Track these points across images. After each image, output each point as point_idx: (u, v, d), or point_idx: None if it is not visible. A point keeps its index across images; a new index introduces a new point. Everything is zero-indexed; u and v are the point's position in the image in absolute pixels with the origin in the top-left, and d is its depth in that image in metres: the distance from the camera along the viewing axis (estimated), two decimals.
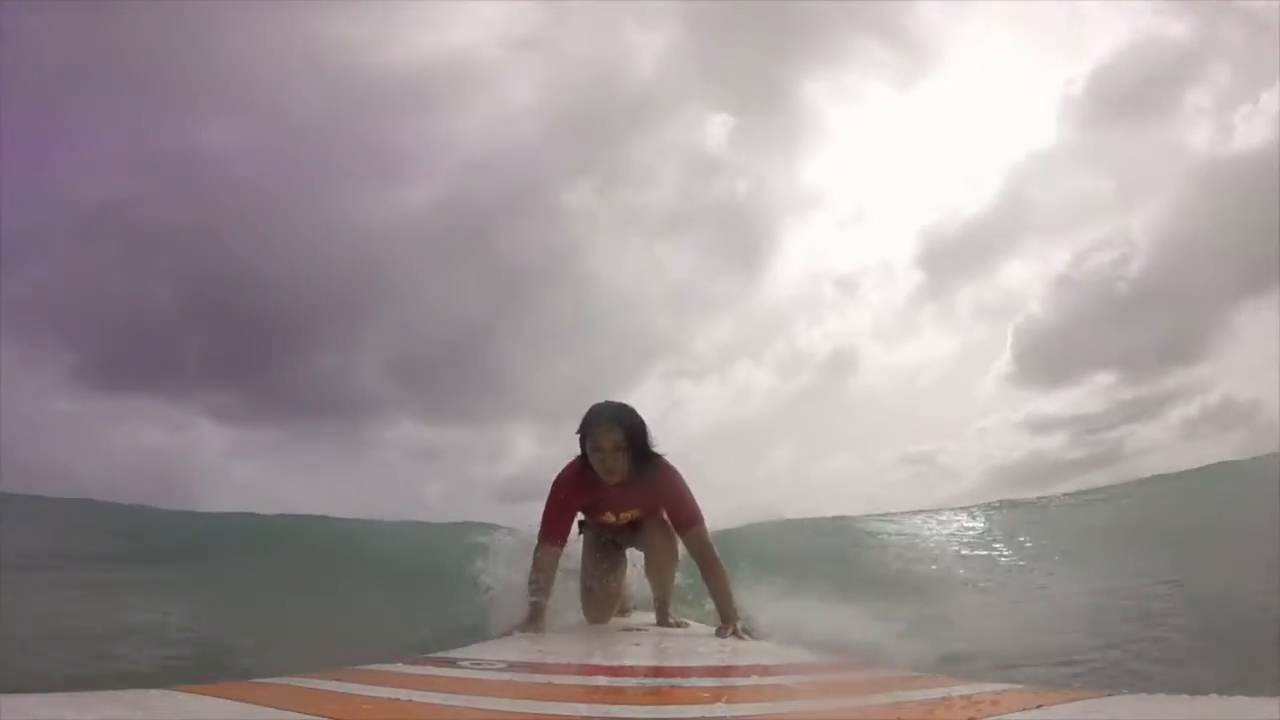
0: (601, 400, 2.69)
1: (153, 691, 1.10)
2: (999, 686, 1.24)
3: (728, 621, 2.53)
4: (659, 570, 2.80)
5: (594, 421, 2.61)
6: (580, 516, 2.86)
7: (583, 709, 1.26)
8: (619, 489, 2.64)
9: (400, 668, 1.62)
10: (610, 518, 2.80)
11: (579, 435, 2.64)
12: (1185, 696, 1.05)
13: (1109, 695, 1.13)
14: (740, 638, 2.45)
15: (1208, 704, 1.01)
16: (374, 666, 1.59)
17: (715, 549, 2.67)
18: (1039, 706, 1.06)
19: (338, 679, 1.36)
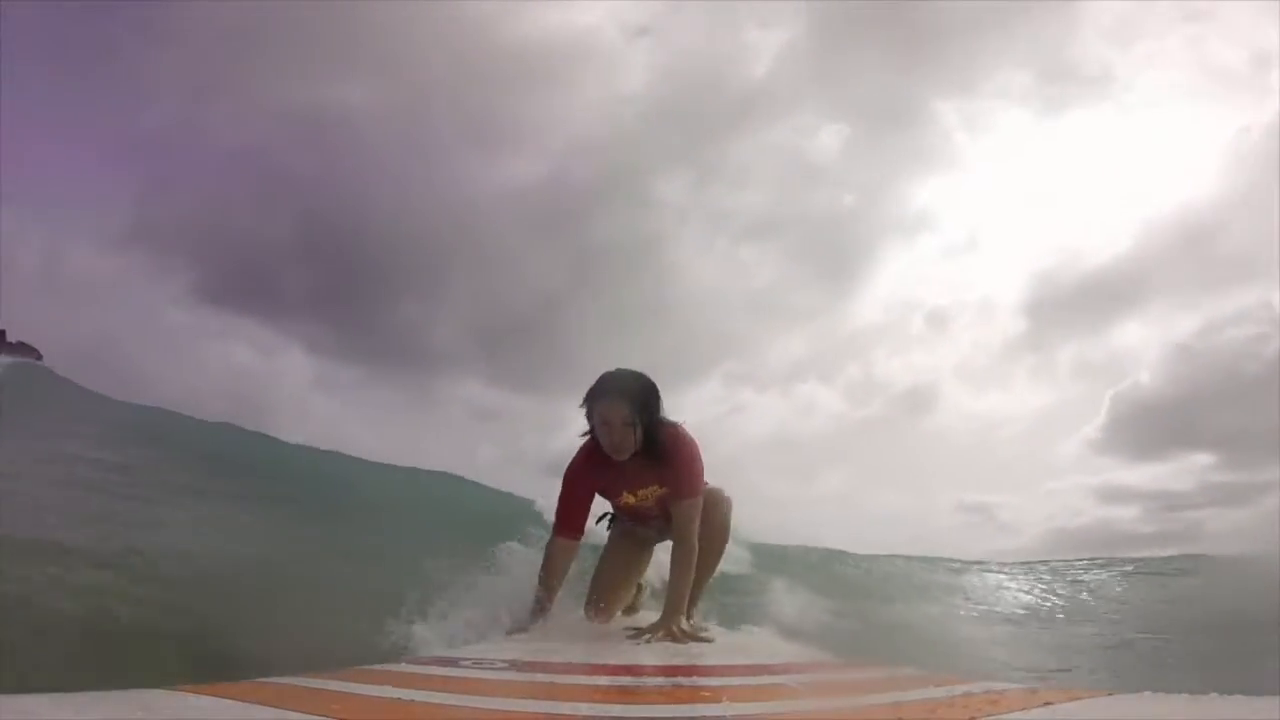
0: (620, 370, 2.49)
1: (153, 691, 1.10)
2: (999, 686, 1.24)
3: (668, 615, 2.30)
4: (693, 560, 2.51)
5: (600, 393, 2.42)
6: (609, 510, 2.75)
7: (585, 708, 1.26)
8: (633, 465, 2.47)
9: (402, 667, 1.62)
10: (629, 499, 2.61)
11: (584, 408, 2.45)
12: (1185, 696, 1.05)
13: (1109, 695, 1.13)
14: (676, 639, 2.23)
15: (1208, 704, 1.01)
16: (375, 666, 1.59)
17: (696, 534, 2.45)
18: (1039, 706, 1.06)
19: (339, 678, 1.36)
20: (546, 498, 2.87)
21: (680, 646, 2.22)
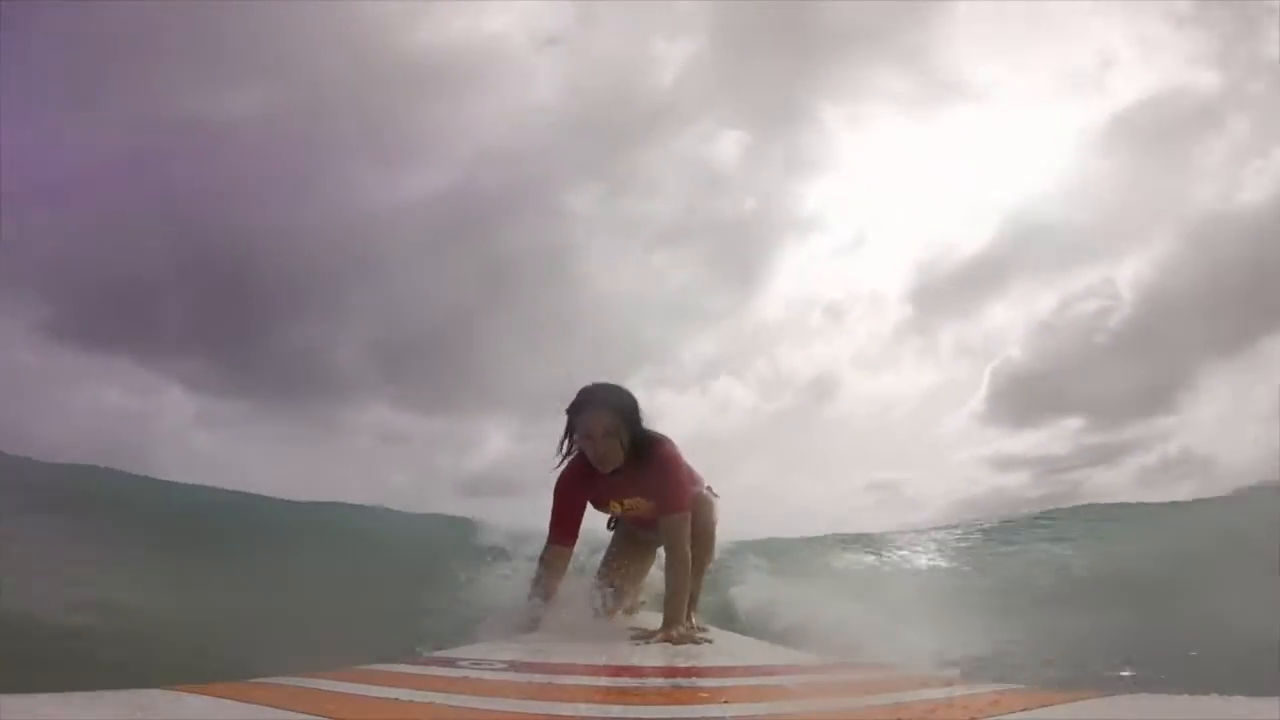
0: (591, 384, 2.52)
1: (153, 691, 1.10)
2: (999, 686, 1.25)
3: (668, 623, 2.35)
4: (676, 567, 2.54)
5: (580, 406, 2.46)
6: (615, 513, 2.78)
7: (583, 709, 1.26)
8: (619, 478, 2.51)
9: (401, 667, 1.62)
10: (616, 508, 2.68)
11: (567, 422, 2.50)
12: (1185, 696, 1.05)
13: (1109, 695, 1.13)
14: (675, 642, 2.26)
15: (1208, 704, 1.01)
16: (374, 666, 1.58)
17: (688, 545, 2.48)
18: (1039, 706, 1.06)
19: (338, 678, 1.36)
20: (486, 515, 2.88)
21: (680, 647, 2.23)
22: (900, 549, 7.60)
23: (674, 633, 2.32)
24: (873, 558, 7.28)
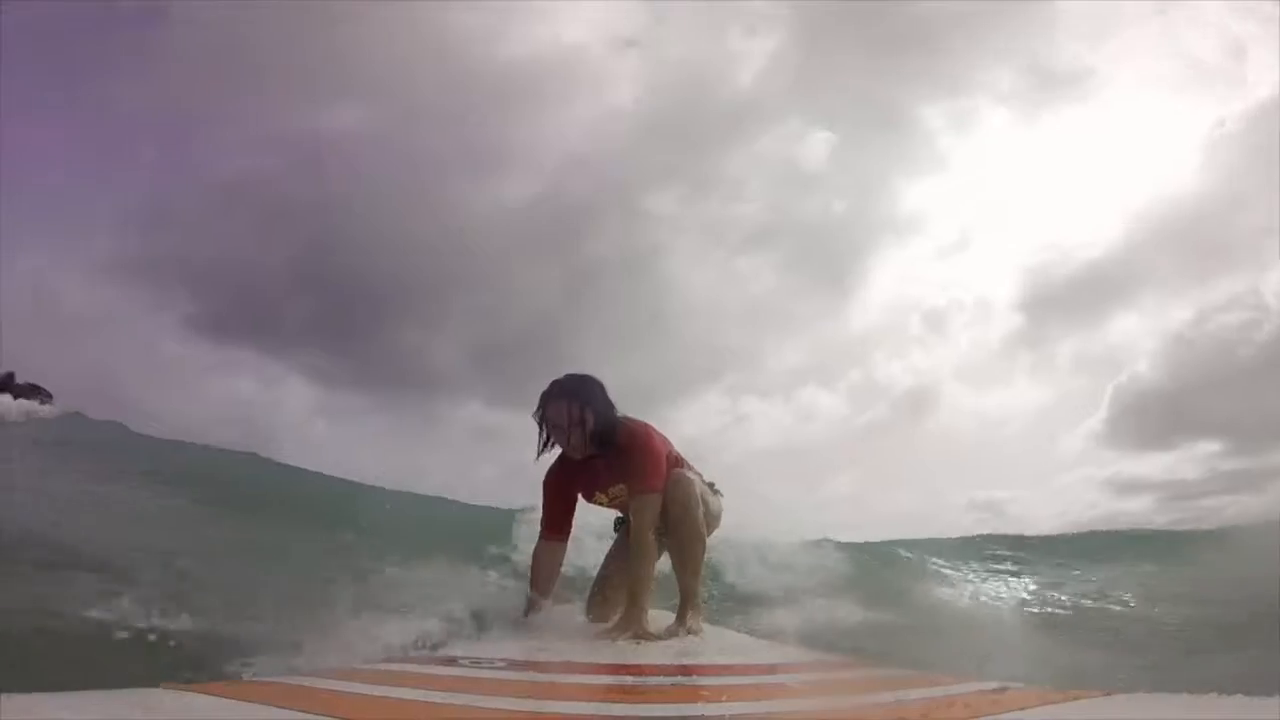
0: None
1: (153, 690, 1.10)
2: (999, 686, 1.24)
3: (622, 621, 2.29)
4: (676, 557, 2.48)
5: (547, 399, 2.46)
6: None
7: (582, 708, 1.26)
8: (598, 466, 2.50)
9: (401, 667, 1.62)
10: (602, 499, 2.63)
11: (538, 417, 2.48)
12: (1185, 696, 1.05)
13: (1109, 695, 1.13)
14: (640, 638, 2.19)
15: (1208, 704, 1.01)
16: (374, 665, 1.59)
17: (650, 531, 2.36)
18: (1039, 706, 1.06)
19: (339, 678, 1.36)
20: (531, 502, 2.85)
21: (681, 646, 2.21)
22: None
23: (624, 633, 2.23)
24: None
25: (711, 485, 2.70)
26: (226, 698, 1.11)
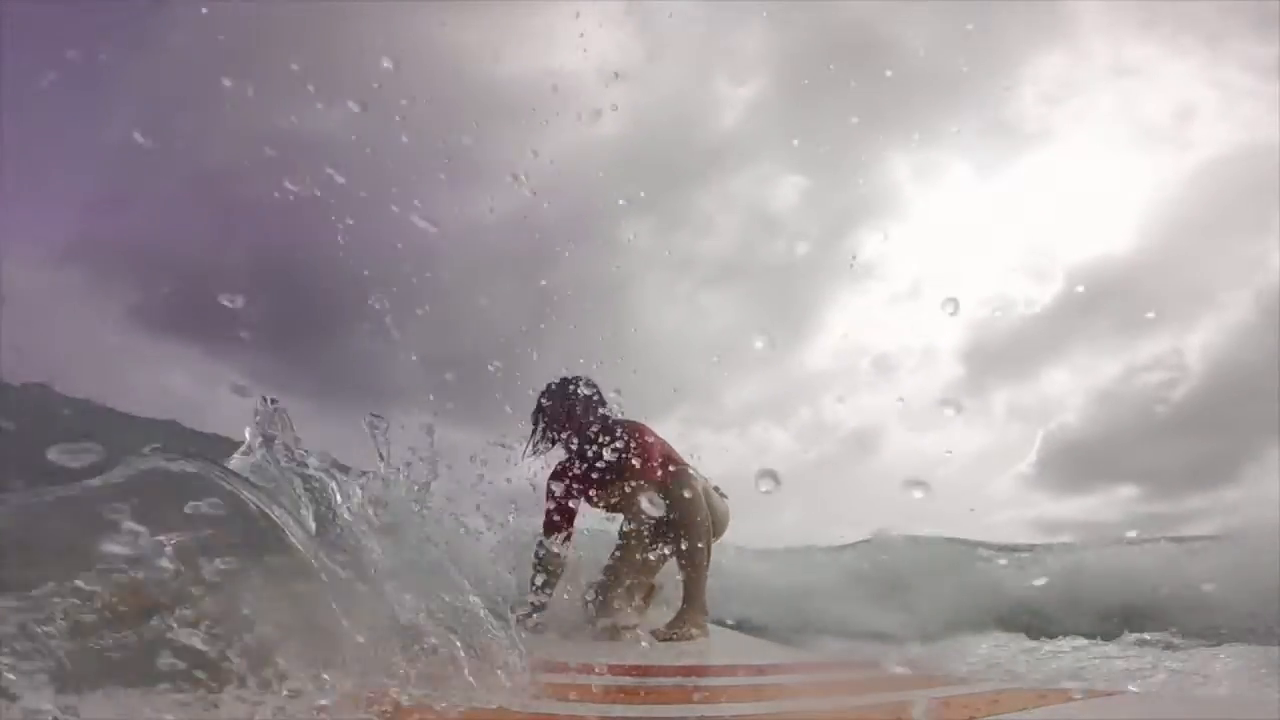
0: None
1: (153, 690, 1.10)
2: (999, 687, 1.24)
3: (599, 610, 2.39)
4: (678, 555, 2.48)
5: (542, 398, 2.56)
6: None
7: (582, 708, 1.26)
8: (597, 467, 2.53)
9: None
10: (602, 502, 2.66)
11: (532, 420, 2.58)
12: (1186, 696, 1.05)
13: (1109, 695, 1.14)
14: (611, 636, 2.28)
15: (1208, 704, 1.01)
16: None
17: (637, 515, 2.43)
18: (1039, 706, 1.06)
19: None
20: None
21: (680, 646, 2.21)
22: None
23: (601, 623, 2.33)
24: None
25: (716, 489, 2.70)
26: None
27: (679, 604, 2.47)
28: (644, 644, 2.21)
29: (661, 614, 2.62)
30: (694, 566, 2.46)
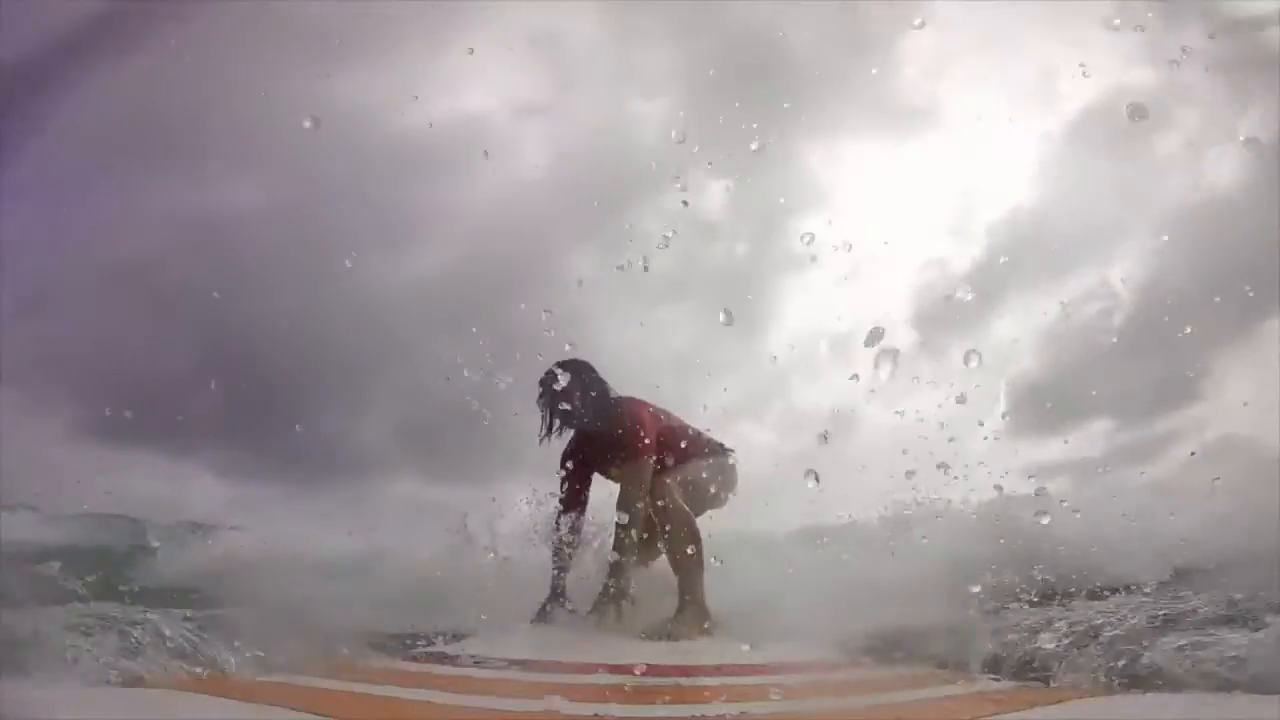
0: None
1: (153, 690, 1.10)
2: (999, 686, 1.24)
3: (596, 602, 2.40)
4: (669, 552, 2.46)
5: (545, 381, 2.63)
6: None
7: (582, 707, 1.26)
8: (602, 442, 2.61)
9: (401, 665, 1.62)
10: (614, 473, 2.70)
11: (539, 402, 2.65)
12: (1185, 696, 1.05)
13: (1109, 695, 1.13)
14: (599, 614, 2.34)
15: (1208, 704, 1.01)
16: (375, 665, 1.58)
17: (634, 501, 2.41)
18: (1039, 706, 1.06)
19: (339, 677, 1.36)
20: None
21: (681, 646, 2.21)
22: None
23: (594, 614, 2.37)
24: None
25: (721, 445, 2.76)
26: (228, 698, 1.11)
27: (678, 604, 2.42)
28: (637, 641, 2.20)
29: (661, 614, 2.61)
30: (681, 570, 2.45)
